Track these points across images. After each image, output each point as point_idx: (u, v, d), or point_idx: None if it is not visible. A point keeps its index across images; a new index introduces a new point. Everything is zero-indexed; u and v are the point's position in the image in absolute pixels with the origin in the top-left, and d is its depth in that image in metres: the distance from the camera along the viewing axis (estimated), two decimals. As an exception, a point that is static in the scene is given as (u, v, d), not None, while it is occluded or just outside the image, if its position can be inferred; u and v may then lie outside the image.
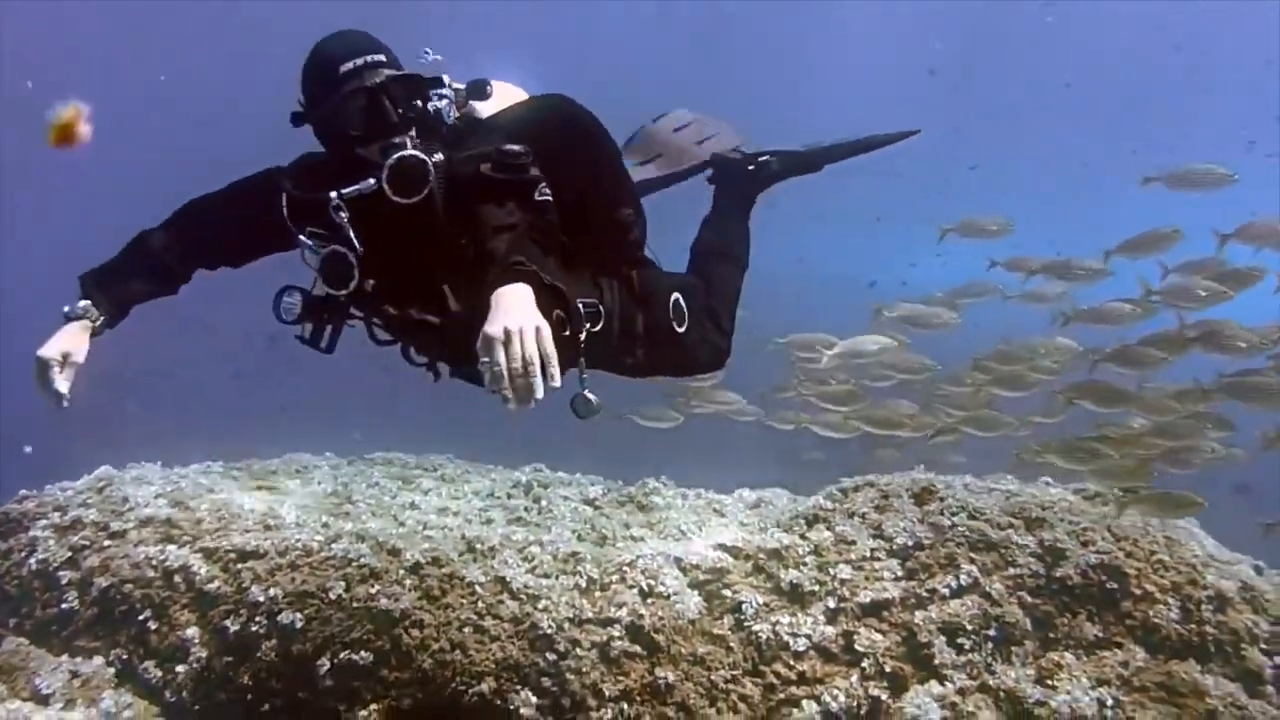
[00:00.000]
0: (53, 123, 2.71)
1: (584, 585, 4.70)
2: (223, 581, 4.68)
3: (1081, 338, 6.49)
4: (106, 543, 4.91)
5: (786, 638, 4.48)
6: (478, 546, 4.97)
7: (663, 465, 6.73)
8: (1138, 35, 21.77)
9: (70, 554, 4.86)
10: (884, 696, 4.31)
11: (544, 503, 6.05)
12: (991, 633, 4.47)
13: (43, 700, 4.11)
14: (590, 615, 4.50)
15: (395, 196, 2.72)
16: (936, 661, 4.39)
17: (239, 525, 5.04)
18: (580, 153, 3.08)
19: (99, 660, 4.46)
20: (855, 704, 4.28)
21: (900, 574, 4.76)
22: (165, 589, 4.66)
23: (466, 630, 4.41)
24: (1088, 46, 22.92)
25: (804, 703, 4.28)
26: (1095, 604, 4.56)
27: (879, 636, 4.50)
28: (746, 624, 4.55)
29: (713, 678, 4.36)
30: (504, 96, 3.18)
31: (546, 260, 2.68)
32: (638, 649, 4.38)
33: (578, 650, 4.35)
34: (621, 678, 4.29)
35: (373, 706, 4.23)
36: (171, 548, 4.82)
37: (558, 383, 2.29)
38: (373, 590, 4.52)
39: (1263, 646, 4.40)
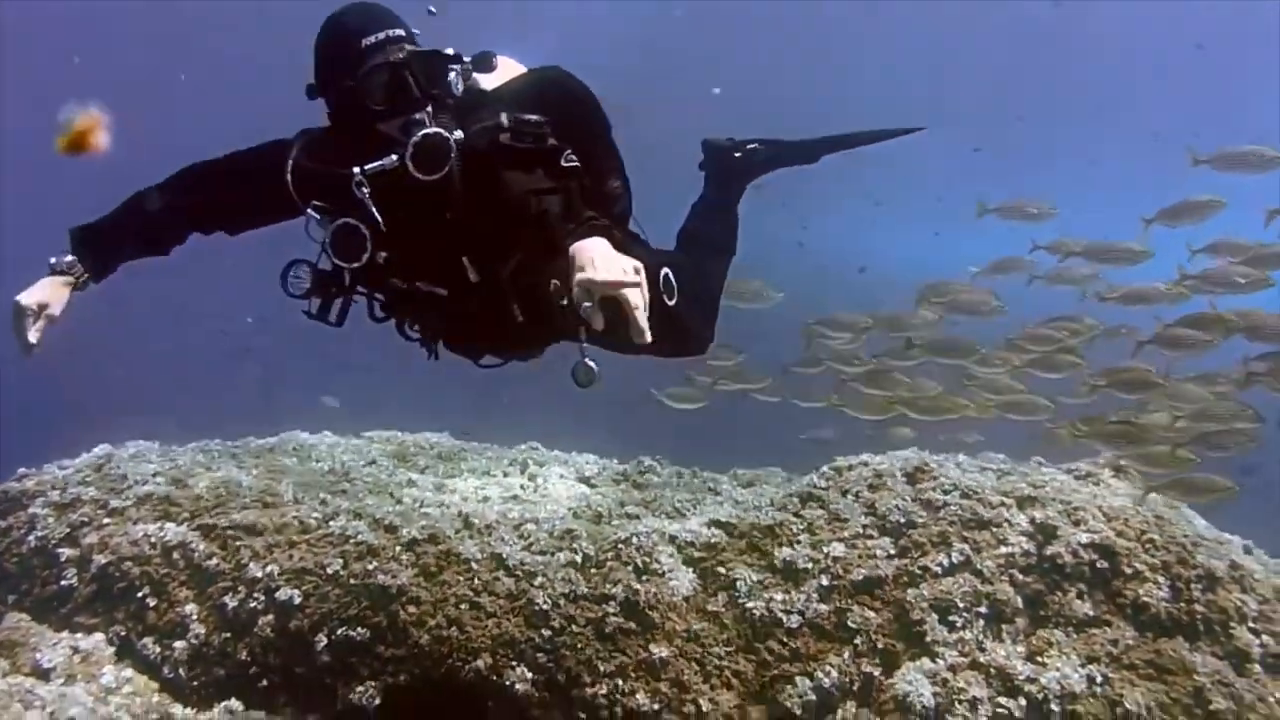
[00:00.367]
0: (65, 128, 2.70)
1: (579, 562, 4.73)
2: (221, 558, 4.71)
3: (1115, 319, 6.45)
4: (105, 520, 4.94)
5: (780, 615, 4.52)
6: (474, 523, 5.01)
7: (659, 444, 6.75)
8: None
9: (69, 531, 4.90)
10: (876, 673, 4.35)
11: (540, 480, 6.08)
12: (983, 610, 4.50)
13: (44, 675, 4.14)
14: (585, 592, 4.53)
15: (418, 174, 2.75)
16: (928, 639, 4.42)
17: (237, 503, 5.07)
18: (577, 124, 3.12)
19: (99, 636, 4.49)
20: (848, 680, 4.32)
21: (893, 552, 4.79)
22: (164, 566, 4.69)
23: (463, 607, 4.44)
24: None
25: (797, 679, 4.32)
26: (1086, 582, 4.58)
27: (871, 614, 4.53)
28: (740, 601, 4.59)
29: (707, 654, 4.39)
30: (504, 69, 3.21)
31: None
32: (632, 625, 4.42)
33: (573, 627, 4.38)
34: (616, 654, 4.33)
35: (369, 682, 4.26)
36: (170, 525, 4.85)
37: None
38: (370, 567, 4.55)
39: (1251, 625, 4.45)
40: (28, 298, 2.83)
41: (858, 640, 4.45)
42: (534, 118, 2.90)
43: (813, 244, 17.33)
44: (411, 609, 4.41)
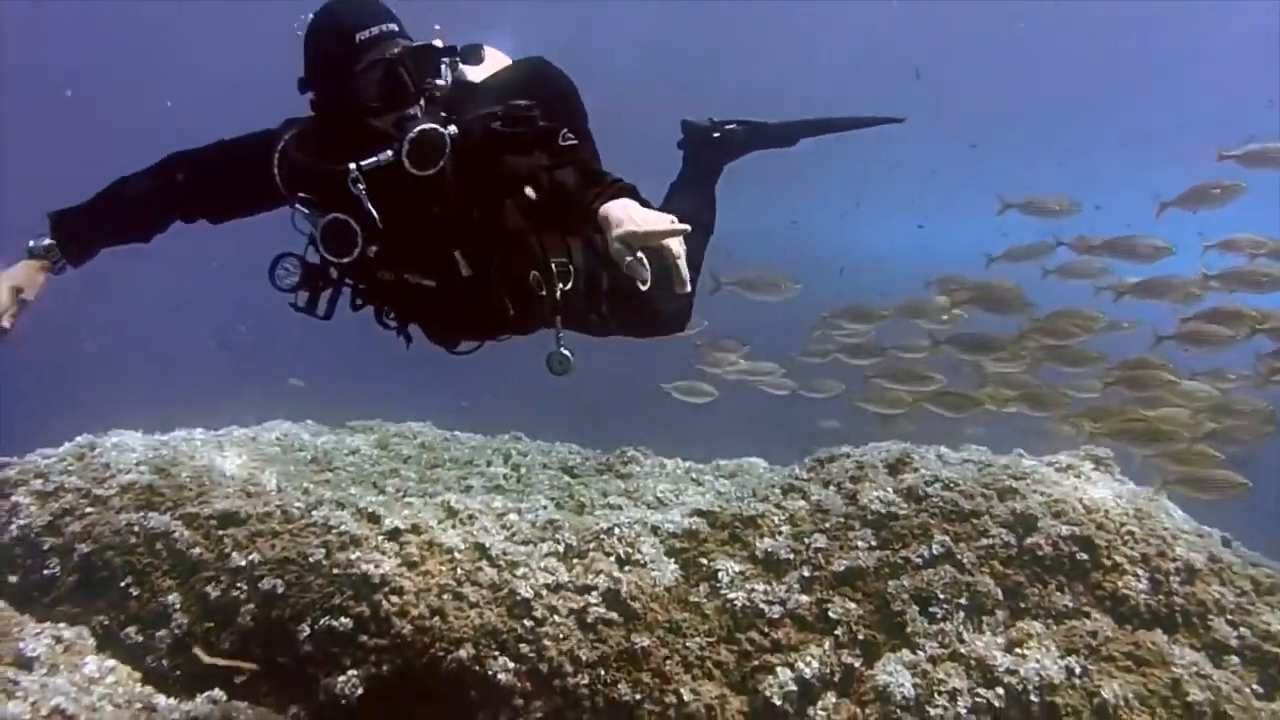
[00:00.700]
0: None
1: (562, 552, 4.75)
2: (204, 548, 4.70)
3: (1127, 315, 6.46)
4: (88, 509, 4.92)
5: (761, 605, 4.54)
6: (457, 513, 5.01)
7: (641, 434, 6.76)
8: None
9: (52, 520, 4.87)
10: (857, 664, 4.38)
11: (523, 470, 6.09)
12: (963, 602, 4.53)
13: (26, 665, 4.12)
14: (568, 582, 4.55)
15: (414, 169, 2.75)
16: (909, 630, 4.45)
17: (220, 492, 5.06)
18: (560, 113, 3.12)
19: (81, 626, 4.48)
20: (829, 671, 4.34)
21: (874, 543, 4.82)
22: (147, 555, 4.68)
23: (445, 597, 4.45)
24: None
25: (778, 669, 4.35)
26: (1065, 574, 4.62)
27: (852, 605, 4.56)
28: (722, 592, 4.61)
29: (688, 645, 4.41)
30: (490, 61, 3.22)
31: None
32: (614, 616, 4.43)
33: (555, 617, 4.40)
34: (598, 644, 4.34)
35: (352, 672, 4.26)
36: (153, 514, 4.83)
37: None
38: (353, 557, 4.55)
39: (1229, 618, 4.49)
40: (2, 281, 2.81)
41: (839, 631, 4.48)
42: (523, 102, 2.89)
43: (800, 234, 17.39)
44: (394, 599, 4.41)
